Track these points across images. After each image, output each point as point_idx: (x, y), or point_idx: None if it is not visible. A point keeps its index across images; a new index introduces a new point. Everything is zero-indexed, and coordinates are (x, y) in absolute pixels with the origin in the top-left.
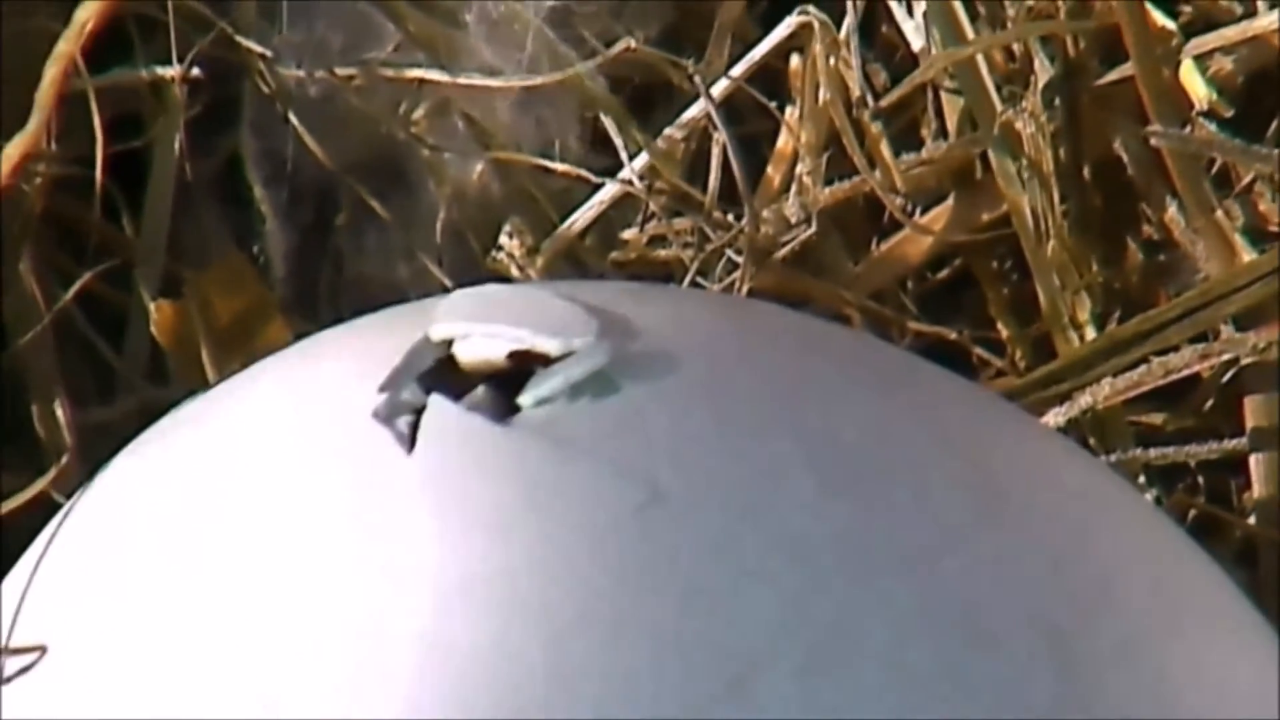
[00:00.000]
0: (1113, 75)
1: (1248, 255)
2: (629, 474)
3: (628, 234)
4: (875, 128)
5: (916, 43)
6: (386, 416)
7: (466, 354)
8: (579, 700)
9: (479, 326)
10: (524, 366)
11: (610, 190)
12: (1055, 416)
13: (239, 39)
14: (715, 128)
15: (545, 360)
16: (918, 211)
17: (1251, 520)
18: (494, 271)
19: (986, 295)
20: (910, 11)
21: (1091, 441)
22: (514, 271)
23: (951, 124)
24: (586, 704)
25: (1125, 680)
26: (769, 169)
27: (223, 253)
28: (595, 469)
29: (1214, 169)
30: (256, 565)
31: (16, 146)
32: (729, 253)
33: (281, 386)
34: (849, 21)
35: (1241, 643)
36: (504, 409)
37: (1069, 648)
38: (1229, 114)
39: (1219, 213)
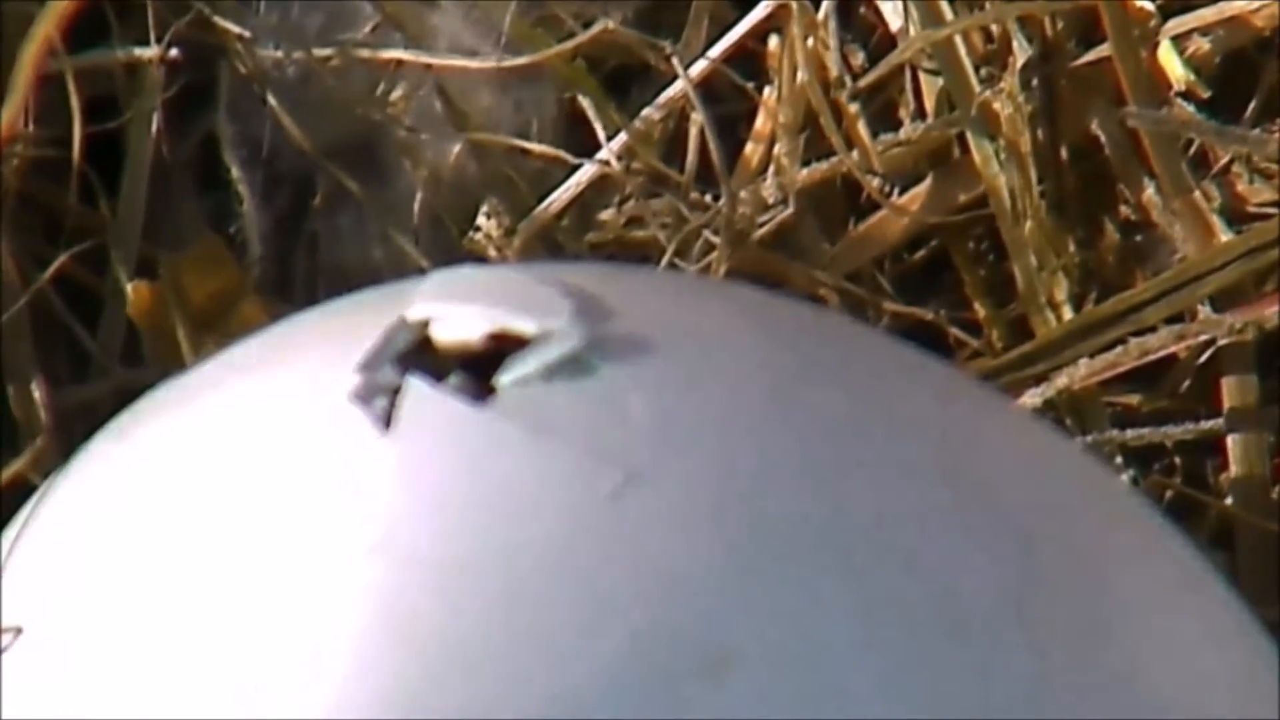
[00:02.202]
0: (1090, 56)
1: (1225, 236)
2: (606, 456)
3: (605, 215)
4: (853, 108)
5: (894, 23)
6: (364, 397)
7: (443, 335)
8: (554, 684)
9: (456, 308)
10: (501, 348)
11: (587, 171)
12: (1032, 397)
13: (216, 20)
14: (693, 108)
15: (522, 342)
16: (895, 192)
17: (1228, 501)
18: (471, 253)
19: (963, 276)
20: None
21: (1068, 422)
22: (491, 253)
23: (929, 105)
24: (562, 688)
25: (1100, 661)
26: (746, 150)
27: (199, 235)
28: (572, 451)
29: (1191, 150)
30: (233, 547)
31: None
32: (706, 234)
33: (258, 368)
34: (827, 2)
35: (1216, 624)
36: (481, 390)
37: (1043, 629)
38: (1206, 95)
39: (1196, 194)
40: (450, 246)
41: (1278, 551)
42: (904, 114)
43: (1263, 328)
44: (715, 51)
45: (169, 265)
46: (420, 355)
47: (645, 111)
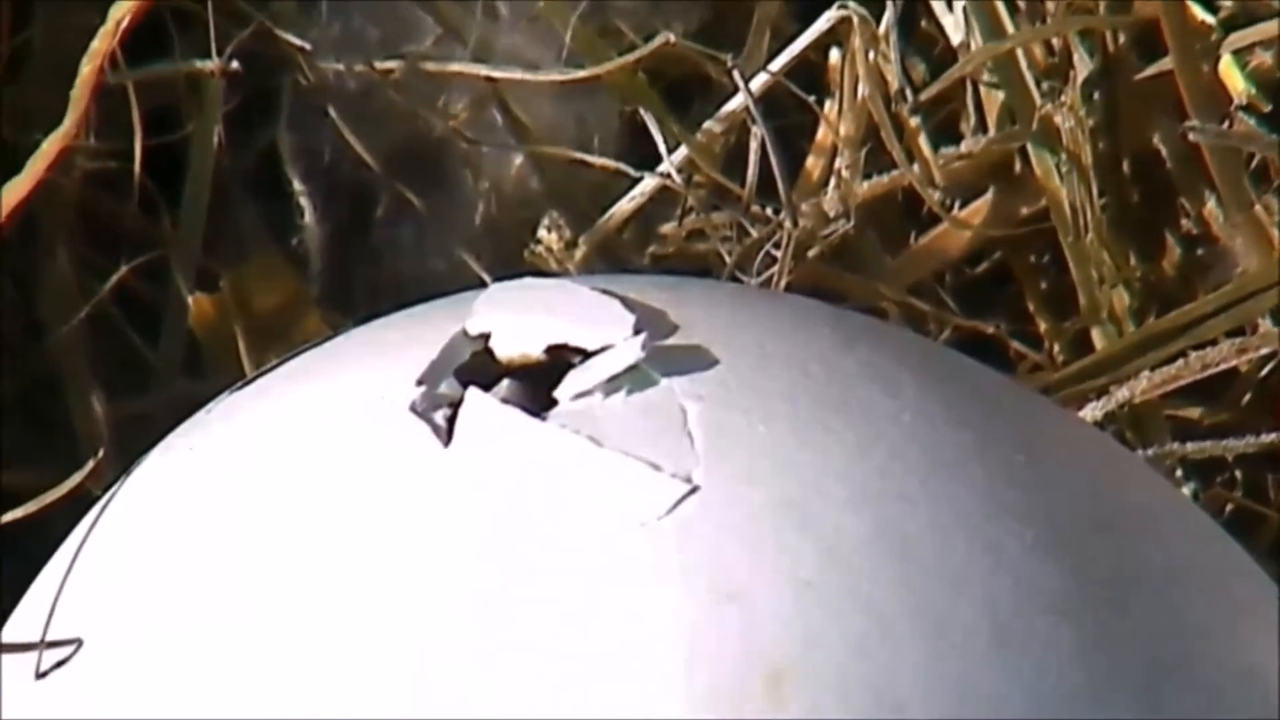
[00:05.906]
0: (1152, 70)
1: None
2: (665, 470)
3: (666, 228)
4: (914, 122)
5: (956, 37)
6: (424, 410)
7: (503, 348)
8: (609, 702)
9: (516, 320)
10: (561, 360)
11: (649, 184)
12: (1092, 410)
13: (278, 32)
14: (754, 121)
15: (582, 354)
16: (956, 205)
17: None
18: (532, 265)
19: (1024, 289)
20: (950, 6)
21: (1128, 435)
22: (552, 265)
23: (990, 118)
24: (617, 706)
25: (1153, 672)
26: (807, 163)
27: (260, 247)
28: (631, 464)
29: (1253, 164)
30: (292, 560)
31: (54, 140)
32: (768, 247)
33: (318, 380)
34: (888, 15)
35: (1275, 636)
36: (540, 403)
37: (1099, 640)
38: (1268, 109)
39: (1257, 207)
40: (511, 259)
41: None
42: (965, 127)
43: None
44: (776, 64)
45: (230, 278)
46: (480, 367)
47: (706, 124)
